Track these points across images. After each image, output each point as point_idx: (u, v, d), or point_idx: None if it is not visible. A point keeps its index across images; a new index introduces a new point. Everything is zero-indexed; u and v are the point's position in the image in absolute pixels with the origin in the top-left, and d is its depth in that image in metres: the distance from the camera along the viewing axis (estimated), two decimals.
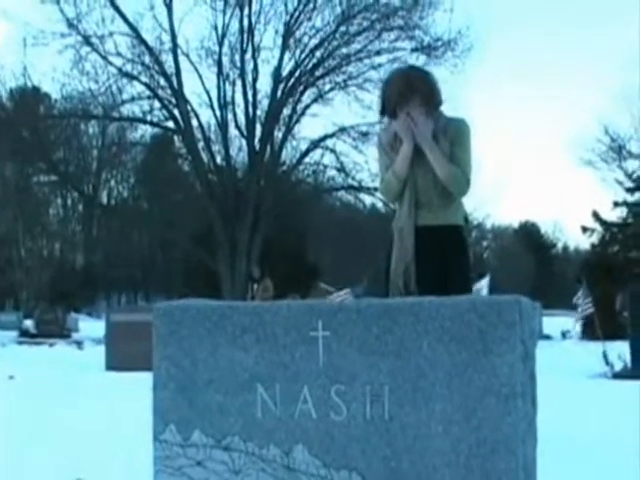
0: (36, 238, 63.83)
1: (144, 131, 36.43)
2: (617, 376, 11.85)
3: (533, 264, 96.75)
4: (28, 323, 36.41)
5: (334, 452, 3.22)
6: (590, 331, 18.76)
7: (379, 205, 34.76)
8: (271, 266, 38.71)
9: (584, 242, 66.51)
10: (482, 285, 12.67)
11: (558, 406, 7.62)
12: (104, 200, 62.08)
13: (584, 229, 57.92)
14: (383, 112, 5.36)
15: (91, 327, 40.12)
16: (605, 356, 12.61)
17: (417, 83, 5.21)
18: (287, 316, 3.34)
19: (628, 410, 8.05)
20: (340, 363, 3.24)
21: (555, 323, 31.13)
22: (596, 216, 56.55)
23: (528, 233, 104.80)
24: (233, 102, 31.24)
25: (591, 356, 13.56)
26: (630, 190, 55.64)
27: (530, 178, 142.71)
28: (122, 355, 13.53)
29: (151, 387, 3.59)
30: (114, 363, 13.63)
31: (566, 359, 14.35)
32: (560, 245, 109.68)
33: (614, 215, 56.64)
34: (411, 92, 5.13)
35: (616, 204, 55.49)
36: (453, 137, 5.15)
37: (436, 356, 3.12)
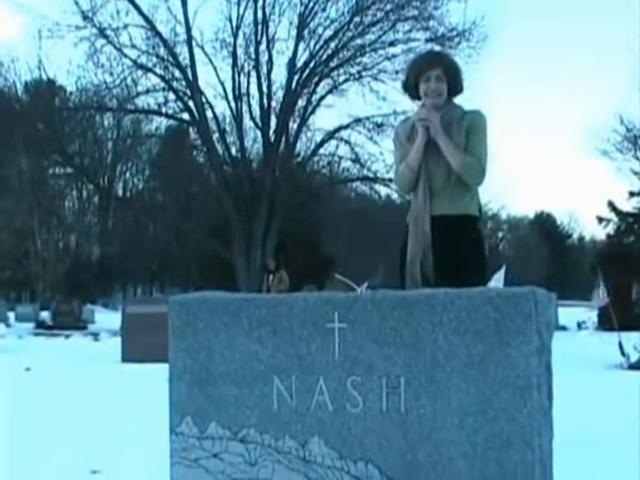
0: (52, 230, 63.87)
1: (159, 123, 36.54)
2: (633, 367, 11.82)
3: (548, 255, 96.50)
4: (44, 315, 36.51)
5: (350, 444, 3.23)
6: (606, 322, 18.68)
7: (394, 196, 34.74)
8: (287, 257, 38.73)
9: (600, 232, 66.36)
10: (498, 278, 12.59)
11: (574, 397, 7.61)
12: (119, 192, 62.29)
13: (600, 219, 57.74)
14: (406, 87, 5.40)
15: (107, 318, 40.26)
16: (621, 347, 12.58)
17: (443, 57, 5.39)
18: (303, 308, 3.35)
19: None
20: (356, 355, 3.25)
21: (571, 314, 31.03)
22: (612, 206, 56.38)
23: (543, 224, 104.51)
24: (248, 93, 31.23)
25: (607, 347, 13.56)
26: None
27: (545, 169, 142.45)
28: (138, 347, 13.56)
29: (167, 379, 3.60)
30: (130, 355, 13.65)
31: (582, 350, 14.31)
32: (576, 235, 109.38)
33: (630, 205, 56.51)
34: (435, 63, 5.22)
35: (632, 194, 55.30)
36: (468, 128, 5.18)
37: (452, 348, 3.12)
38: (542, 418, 3.10)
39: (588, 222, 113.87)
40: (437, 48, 28.53)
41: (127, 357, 13.72)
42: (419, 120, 5.17)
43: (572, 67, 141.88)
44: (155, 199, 52.91)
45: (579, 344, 15.79)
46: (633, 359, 12.34)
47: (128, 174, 70.43)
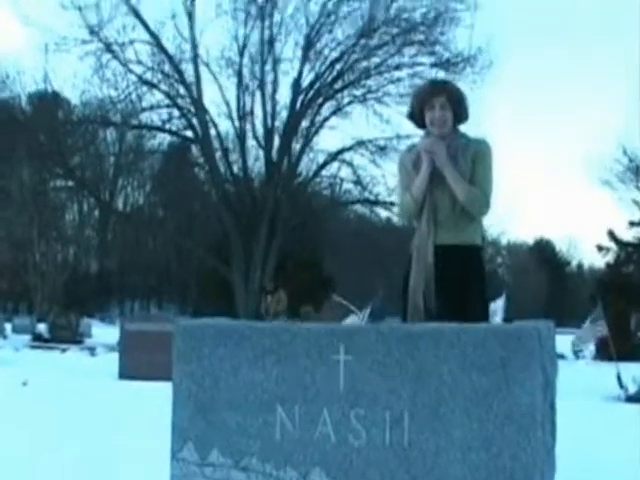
0: (51, 243, 63.89)
1: (162, 139, 36.51)
2: (631, 399, 11.77)
3: (547, 281, 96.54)
4: (41, 327, 36.41)
5: (352, 476, 3.23)
6: (604, 352, 18.64)
7: (395, 219, 34.69)
8: (286, 277, 38.71)
9: (599, 260, 66.41)
10: (498, 306, 12.61)
11: (573, 432, 7.57)
12: (120, 206, 62.35)
13: (599, 248, 57.78)
14: (411, 115, 5.43)
15: (104, 333, 40.12)
16: (619, 379, 12.56)
17: (447, 86, 5.39)
18: (308, 338, 3.35)
19: None
20: (361, 387, 3.25)
21: (569, 342, 30.95)
22: (612, 235, 56.45)
23: (543, 250, 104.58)
24: (252, 113, 31.24)
25: (605, 377, 13.52)
26: None
27: (546, 196, 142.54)
28: (135, 364, 13.54)
29: (166, 398, 3.59)
30: (127, 372, 13.63)
31: (580, 380, 14.23)
32: (575, 263, 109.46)
33: (630, 235, 56.57)
34: (439, 91, 5.25)
35: (632, 224, 55.38)
36: (474, 157, 5.21)
37: (456, 383, 3.12)
38: (545, 456, 3.10)
39: (587, 250, 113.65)
40: (442, 76, 28.69)
41: (124, 374, 13.69)
42: (425, 151, 5.19)
43: (577, 95, 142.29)
44: (155, 214, 52.93)
45: (577, 373, 15.72)
46: (632, 390, 12.31)
47: (129, 188, 70.57)
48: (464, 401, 3.10)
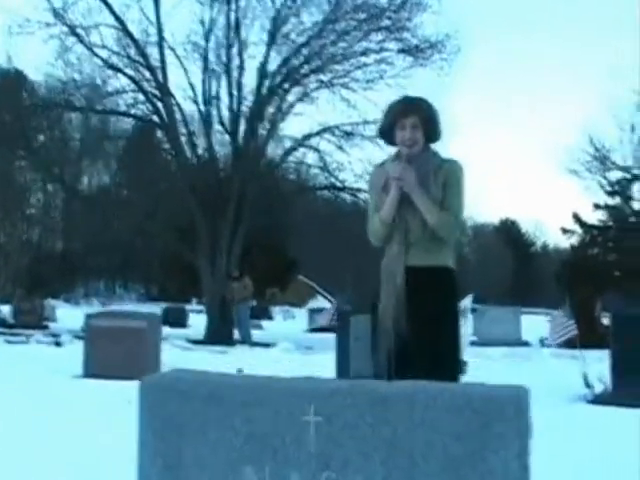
0: (16, 223, 63.46)
1: (127, 123, 36.24)
2: (596, 401, 11.74)
3: (513, 261, 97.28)
4: (5, 312, 36.15)
5: None
6: (570, 342, 18.67)
7: (361, 204, 34.69)
8: (251, 261, 38.68)
9: (564, 242, 66.99)
10: (465, 304, 12.63)
11: (539, 440, 7.53)
12: (84, 187, 61.91)
13: (564, 230, 58.31)
14: (382, 133, 5.41)
15: (68, 315, 40.00)
16: (585, 378, 12.54)
17: (419, 105, 5.28)
18: (278, 398, 3.27)
19: (609, 442, 8.04)
20: (332, 450, 3.17)
21: (534, 325, 31.19)
22: (576, 218, 56.92)
23: (508, 231, 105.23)
24: (218, 97, 31.02)
25: (570, 371, 13.49)
26: (611, 193, 55.88)
27: (513, 180, 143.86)
28: (100, 362, 13.42)
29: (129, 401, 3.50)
30: (92, 369, 13.49)
31: (544, 376, 14.27)
32: (539, 243, 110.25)
33: (594, 218, 57.07)
34: (411, 110, 5.19)
35: (597, 206, 55.86)
36: (445, 179, 5.20)
37: (430, 448, 3.06)
38: None
39: (553, 233, 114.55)
40: (409, 62, 28.68)
41: (89, 372, 13.54)
42: (394, 179, 5.14)
43: (546, 84, 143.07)
44: (121, 195, 52.52)
45: (541, 368, 15.76)
46: (598, 390, 12.32)
47: (94, 170, 70.04)
48: (438, 468, 3.04)
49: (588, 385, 12.35)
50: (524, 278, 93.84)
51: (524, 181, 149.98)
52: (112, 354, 13.38)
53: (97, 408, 10.14)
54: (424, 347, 5.06)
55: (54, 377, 13.19)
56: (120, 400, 9.92)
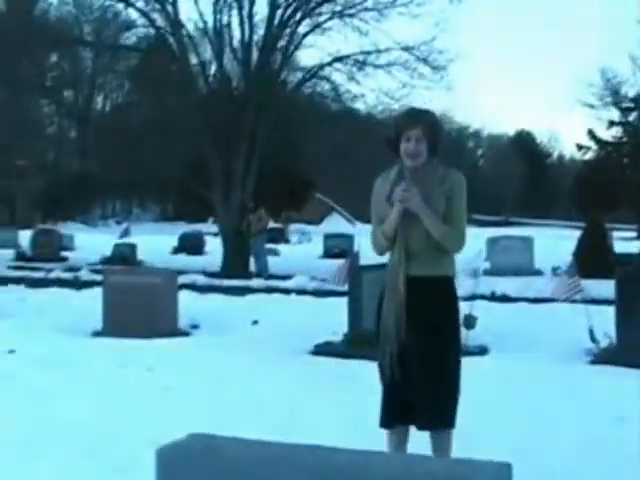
0: (31, 145, 63.40)
1: (136, 57, 35.96)
2: (598, 361, 11.73)
3: (527, 172, 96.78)
4: (24, 243, 36.40)
5: None
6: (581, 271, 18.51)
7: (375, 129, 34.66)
8: (266, 184, 38.68)
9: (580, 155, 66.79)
10: (476, 263, 12.86)
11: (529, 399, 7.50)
12: (99, 107, 61.84)
13: (579, 147, 58.02)
14: (389, 143, 5.58)
15: (87, 241, 40.31)
16: (591, 332, 12.64)
17: (424, 117, 5.53)
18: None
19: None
20: None
21: (547, 249, 31.18)
22: (591, 134, 56.56)
23: (523, 141, 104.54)
24: (229, 27, 30.89)
25: (578, 320, 13.44)
26: (626, 110, 55.49)
27: (528, 91, 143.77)
28: (118, 321, 13.61)
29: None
30: (109, 330, 13.65)
31: (551, 326, 14.35)
32: (556, 154, 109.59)
33: (609, 135, 56.74)
34: (415, 122, 5.41)
35: (612, 123, 55.46)
36: (449, 192, 5.42)
37: None
38: None
39: (568, 148, 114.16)
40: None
41: (107, 330, 13.69)
42: (399, 201, 5.35)
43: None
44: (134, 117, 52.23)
45: (549, 316, 15.76)
46: (603, 344, 12.39)
47: (107, 89, 69.78)
48: None
49: (594, 340, 12.48)
50: (540, 189, 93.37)
51: (539, 93, 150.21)
52: (129, 311, 13.53)
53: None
54: (425, 356, 5.40)
55: (72, 337, 13.22)
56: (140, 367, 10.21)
